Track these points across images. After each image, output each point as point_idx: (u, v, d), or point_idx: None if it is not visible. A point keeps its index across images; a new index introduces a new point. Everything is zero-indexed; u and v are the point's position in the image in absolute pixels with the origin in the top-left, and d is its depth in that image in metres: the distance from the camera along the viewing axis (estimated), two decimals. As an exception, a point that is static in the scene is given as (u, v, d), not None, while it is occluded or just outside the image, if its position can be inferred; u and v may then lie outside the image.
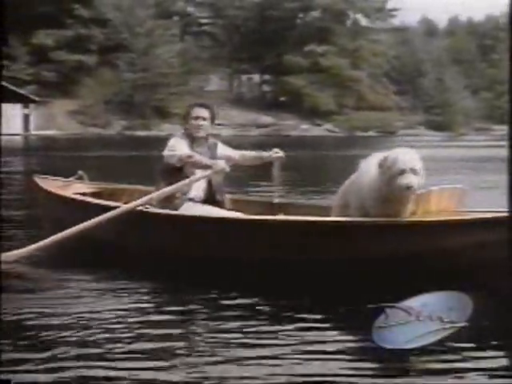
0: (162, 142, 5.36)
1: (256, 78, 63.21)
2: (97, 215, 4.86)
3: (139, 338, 3.44)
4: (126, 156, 23.25)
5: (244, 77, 63.06)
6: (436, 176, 9.37)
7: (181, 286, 4.40)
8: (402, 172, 3.96)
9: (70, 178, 6.35)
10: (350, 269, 4.17)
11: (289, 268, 4.34)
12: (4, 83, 48.76)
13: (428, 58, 71.85)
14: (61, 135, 46.58)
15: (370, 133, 55.53)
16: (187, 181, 5.03)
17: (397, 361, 3.13)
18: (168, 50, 53.56)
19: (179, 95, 52.21)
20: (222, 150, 5.45)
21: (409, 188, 3.95)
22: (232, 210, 5.27)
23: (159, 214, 4.90)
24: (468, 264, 3.98)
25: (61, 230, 4.90)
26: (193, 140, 5.26)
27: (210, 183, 5.28)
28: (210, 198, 5.27)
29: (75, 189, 6.12)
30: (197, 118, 5.26)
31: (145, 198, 4.99)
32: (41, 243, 4.95)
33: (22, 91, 49.68)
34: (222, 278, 4.45)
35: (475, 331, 3.34)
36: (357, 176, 4.43)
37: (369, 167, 4.26)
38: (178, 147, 5.13)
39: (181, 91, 52.97)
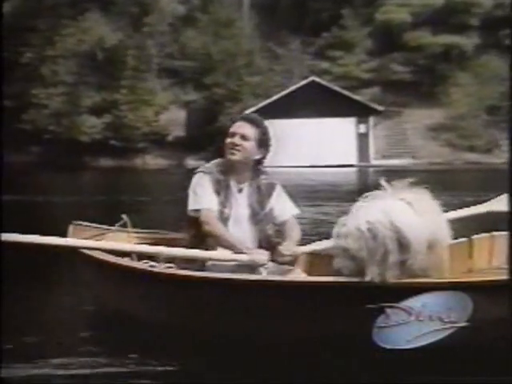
0: None
1: None
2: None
3: None
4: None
5: None
6: None
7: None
8: None
9: (114, 226, 5.39)
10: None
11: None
12: (336, 87, 34.59)
13: None
14: (415, 166, 31.66)
15: None
16: (210, 254, 3.97)
17: None
18: None
19: None
20: (276, 203, 4.10)
21: None
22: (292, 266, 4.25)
23: (171, 274, 4.05)
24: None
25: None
26: (229, 172, 4.00)
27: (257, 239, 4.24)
28: None
29: (111, 239, 5.16)
30: (233, 134, 3.99)
31: (151, 249, 4.18)
32: None
33: (356, 97, 34.79)
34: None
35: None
36: None
37: None
38: (200, 195, 3.98)
39: None
